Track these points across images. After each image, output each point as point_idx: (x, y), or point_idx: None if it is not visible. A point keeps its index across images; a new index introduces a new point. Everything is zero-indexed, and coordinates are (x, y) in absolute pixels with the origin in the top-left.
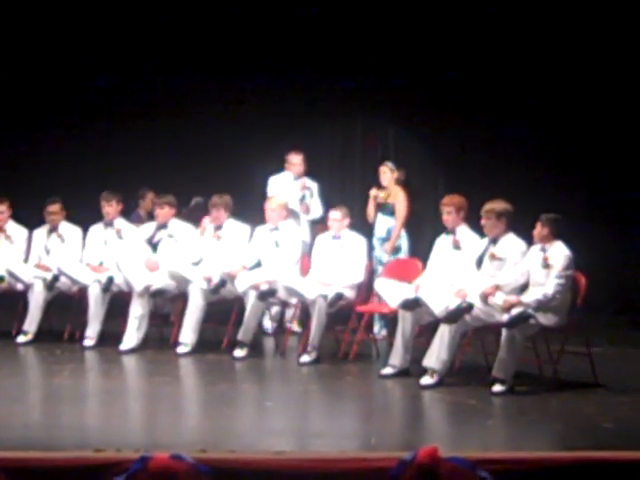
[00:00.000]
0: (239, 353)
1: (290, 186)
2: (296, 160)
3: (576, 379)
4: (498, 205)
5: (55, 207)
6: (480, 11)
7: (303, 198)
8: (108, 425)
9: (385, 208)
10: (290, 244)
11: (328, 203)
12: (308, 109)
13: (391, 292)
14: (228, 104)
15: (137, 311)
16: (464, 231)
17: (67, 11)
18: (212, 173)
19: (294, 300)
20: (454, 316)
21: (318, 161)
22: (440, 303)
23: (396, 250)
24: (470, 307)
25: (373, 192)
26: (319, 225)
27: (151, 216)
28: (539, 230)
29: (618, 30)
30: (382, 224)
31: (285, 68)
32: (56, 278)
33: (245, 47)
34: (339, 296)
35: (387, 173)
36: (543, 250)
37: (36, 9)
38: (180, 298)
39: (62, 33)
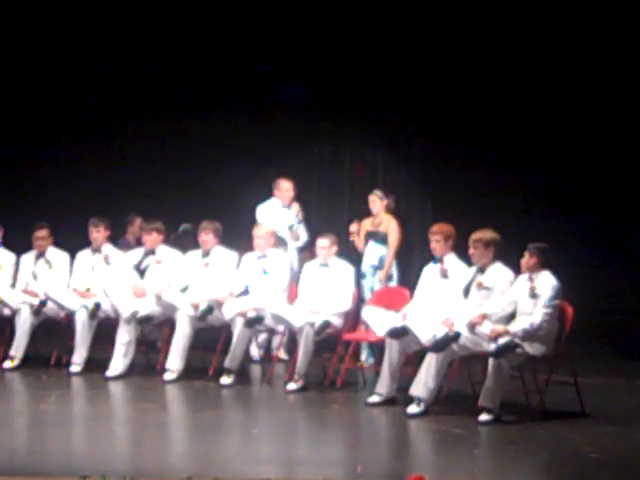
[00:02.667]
0: (226, 380)
1: (278, 213)
2: (286, 186)
3: (563, 409)
4: (486, 234)
5: (43, 232)
6: (471, 38)
7: (292, 226)
8: (94, 451)
9: (377, 236)
10: (278, 272)
11: (316, 231)
12: (296, 136)
13: (378, 320)
14: (216, 130)
15: (124, 337)
16: (452, 260)
17: (57, 34)
18: (200, 200)
19: (281, 327)
20: (441, 345)
21: (306, 188)
22: (427, 332)
23: (389, 278)
24: (457, 336)
25: (353, 228)
26: (305, 252)
27: (139, 242)
28: (527, 259)
29: (605, 65)
30: (374, 252)
31: (273, 95)
32: (43, 303)
33: (234, 74)
34: (326, 324)
35: (377, 202)
36: (530, 279)
37: (27, 35)
38: (167, 325)
39: (51, 58)
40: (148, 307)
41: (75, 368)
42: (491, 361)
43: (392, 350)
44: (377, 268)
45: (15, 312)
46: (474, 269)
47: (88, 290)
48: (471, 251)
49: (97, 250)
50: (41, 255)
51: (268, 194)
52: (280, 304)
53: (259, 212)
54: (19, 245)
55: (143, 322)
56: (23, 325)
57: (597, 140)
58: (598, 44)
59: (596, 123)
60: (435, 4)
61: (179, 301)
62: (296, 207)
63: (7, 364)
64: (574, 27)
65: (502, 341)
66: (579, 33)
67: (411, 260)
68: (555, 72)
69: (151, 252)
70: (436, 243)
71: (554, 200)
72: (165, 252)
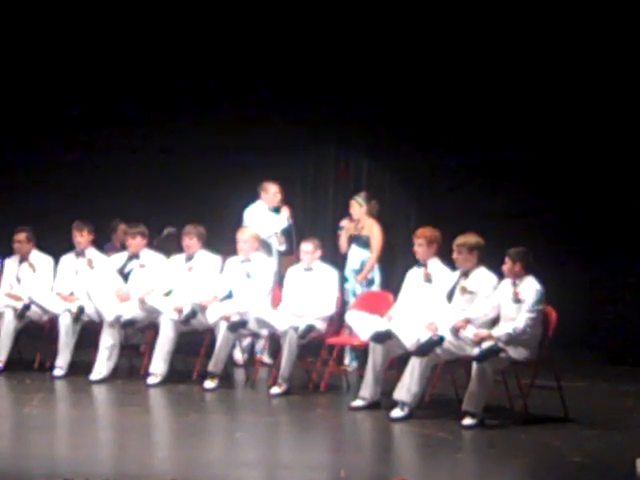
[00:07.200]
0: (209, 384)
1: (265, 217)
2: (274, 189)
3: (546, 413)
4: (470, 239)
5: (20, 236)
6: (454, 43)
7: (283, 230)
8: (77, 455)
9: (359, 240)
10: (262, 275)
11: (300, 235)
12: (280, 140)
13: (362, 324)
14: (201, 134)
15: (107, 341)
16: (435, 264)
17: (42, 41)
18: (184, 204)
19: (265, 331)
20: (425, 349)
21: (290, 193)
22: (411, 336)
23: (370, 282)
24: (441, 340)
25: (344, 223)
26: (286, 257)
27: (124, 247)
28: (510, 266)
29: (587, 70)
30: (356, 256)
31: (257, 99)
32: (27, 307)
33: (217, 78)
34: (310, 328)
35: (356, 207)
36: (514, 284)
37: (12, 38)
38: (151, 328)
39: (37, 62)
40: (132, 311)
41: (59, 372)
42: (474, 365)
43: (376, 354)
44: (358, 272)
45: None
46: (458, 273)
47: (72, 294)
48: (455, 255)
49: (81, 254)
50: (24, 259)
51: (252, 198)
52: (264, 308)
53: (247, 215)
54: (3, 249)
55: (127, 326)
56: (7, 329)
57: (580, 144)
58: (586, 46)
59: (578, 126)
60: (415, 9)
61: (163, 305)
62: (287, 211)
63: None
64: (565, 31)
65: (486, 345)
66: (568, 38)
67: (394, 264)
68: (538, 77)
69: (135, 256)
70: (419, 247)
71: (539, 205)
72: (149, 256)
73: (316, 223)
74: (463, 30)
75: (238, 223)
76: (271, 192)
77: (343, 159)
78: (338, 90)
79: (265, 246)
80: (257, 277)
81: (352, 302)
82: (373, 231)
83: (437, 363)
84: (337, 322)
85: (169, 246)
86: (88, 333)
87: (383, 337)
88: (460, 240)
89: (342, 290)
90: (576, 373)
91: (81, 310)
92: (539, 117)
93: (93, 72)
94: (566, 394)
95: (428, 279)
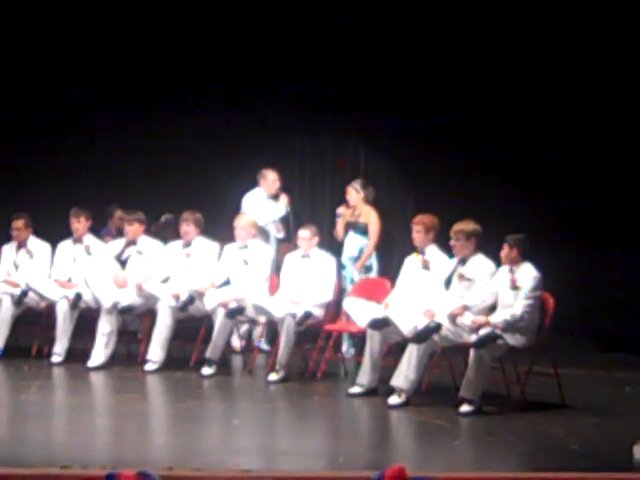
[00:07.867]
0: (207, 371)
1: (263, 204)
2: (273, 176)
3: (543, 400)
4: (467, 226)
5: (19, 223)
6: (451, 35)
7: (282, 216)
8: (75, 442)
9: (357, 227)
10: (259, 262)
11: (298, 222)
12: (278, 128)
13: (360, 311)
14: (198, 122)
15: (105, 328)
16: (433, 251)
17: (41, 28)
18: (182, 191)
19: (262, 318)
20: (422, 336)
21: (288, 180)
22: (408, 323)
23: (368, 269)
24: (438, 327)
25: (341, 210)
26: (284, 244)
27: (120, 232)
28: (507, 252)
29: (594, 67)
30: (354, 243)
31: (255, 88)
32: (24, 294)
33: (216, 65)
34: (308, 315)
35: (353, 193)
36: (511, 271)
37: (10, 24)
38: (148, 315)
39: (35, 50)
40: (129, 298)
41: (56, 358)
42: (472, 352)
43: (373, 341)
44: (356, 259)
45: None
46: (455, 260)
47: (69, 280)
48: (452, 242)
49: (78, 240)
50: (22, 245)
51: (250, 185)
52: (261, 295)
53: (245, 202)
54: (0, 236)
55: (124, 313)
56: (4, 315)
57: (577, 130)
58: (589, 42)
59: (575, 112)
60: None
61: (160, 292)
62: (285, 198)
63: None
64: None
65: (483, 332)
66: (574, 31)
67: (392, 251)
68: (540, 67)
69: (132, 243)
70: (417, 233)
71: (536, 192)
72: (146, 243)
73: (314, 210)
74: (460, 23)
75: (236, 210)
76: (270, 179)
77: (341, 147)
78: (336, 78)
79: (263, 233)
80: (255, 264)
81: (349, 289)
82: (370, 218)
83: (434, 350)
84: (334, 309)
85: (167, 233)
86: (86, 320)
87: (380, 324)
88: (458, 227)
89: (339, 277)
90: (573, 360)
91: (79, 297)
92: (537, 104)
93: (93, 57)
94: (563, 381)
95: (426, 266)
